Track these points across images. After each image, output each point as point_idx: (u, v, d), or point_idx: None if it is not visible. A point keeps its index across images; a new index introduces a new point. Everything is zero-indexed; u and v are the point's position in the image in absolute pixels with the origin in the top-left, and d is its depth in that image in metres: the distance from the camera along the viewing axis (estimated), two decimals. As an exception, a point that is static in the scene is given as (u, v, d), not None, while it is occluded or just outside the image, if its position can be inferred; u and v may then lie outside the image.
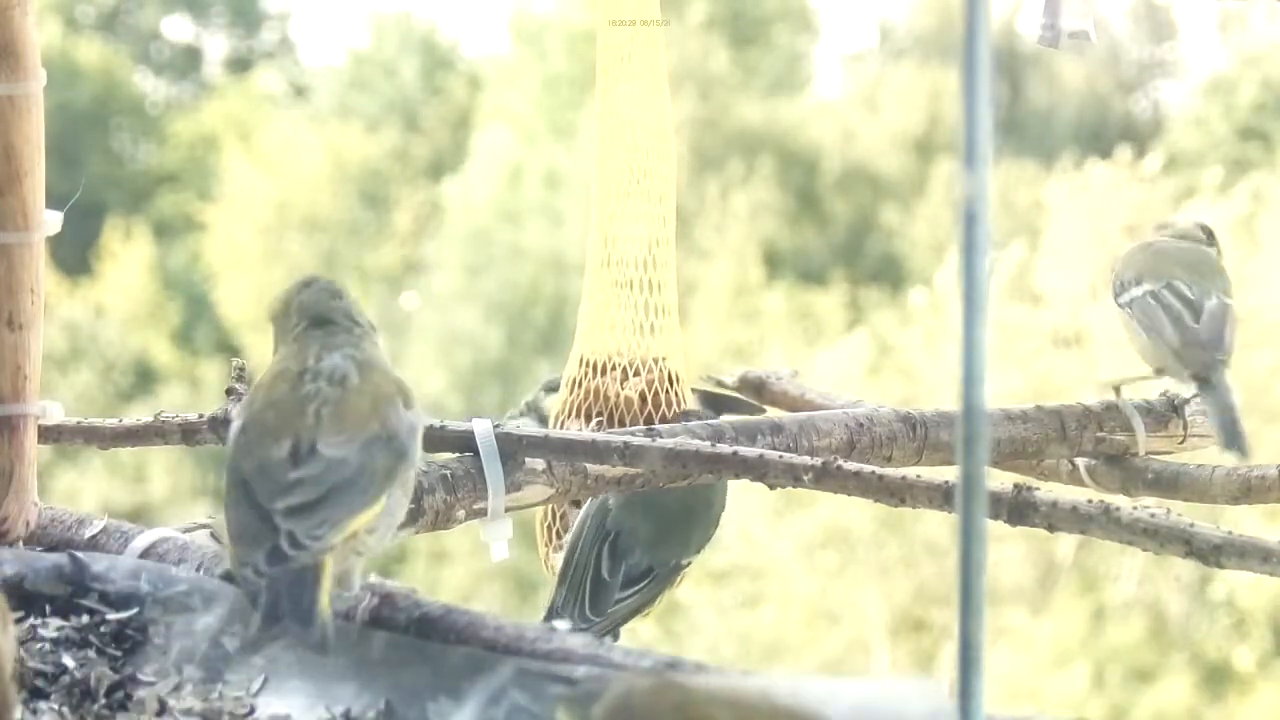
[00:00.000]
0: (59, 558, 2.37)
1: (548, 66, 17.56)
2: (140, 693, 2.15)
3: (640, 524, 3.03)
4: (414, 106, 19.04)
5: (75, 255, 16.51)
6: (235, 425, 2.12)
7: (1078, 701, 12.07)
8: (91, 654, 2.21)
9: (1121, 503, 2.49)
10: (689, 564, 3.14)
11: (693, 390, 3.31)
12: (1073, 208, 14.55)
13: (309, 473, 2.04)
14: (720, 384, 3.71)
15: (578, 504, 3.16)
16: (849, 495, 2.61)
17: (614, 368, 3.21)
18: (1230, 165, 15.11)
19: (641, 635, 3.23)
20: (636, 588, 3.04)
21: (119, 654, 2.22)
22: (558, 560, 3.12)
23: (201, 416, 2.84)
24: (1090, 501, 2.48)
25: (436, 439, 2.76)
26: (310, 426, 2.07)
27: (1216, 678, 12.53)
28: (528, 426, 2.96)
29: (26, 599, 2.29)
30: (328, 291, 2.21)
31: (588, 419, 3.20)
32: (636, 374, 3.22)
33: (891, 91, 17.24)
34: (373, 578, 2.12)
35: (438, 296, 16.73)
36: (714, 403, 3.32)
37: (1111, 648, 12.60)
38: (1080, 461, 3.21)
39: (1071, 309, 13.78)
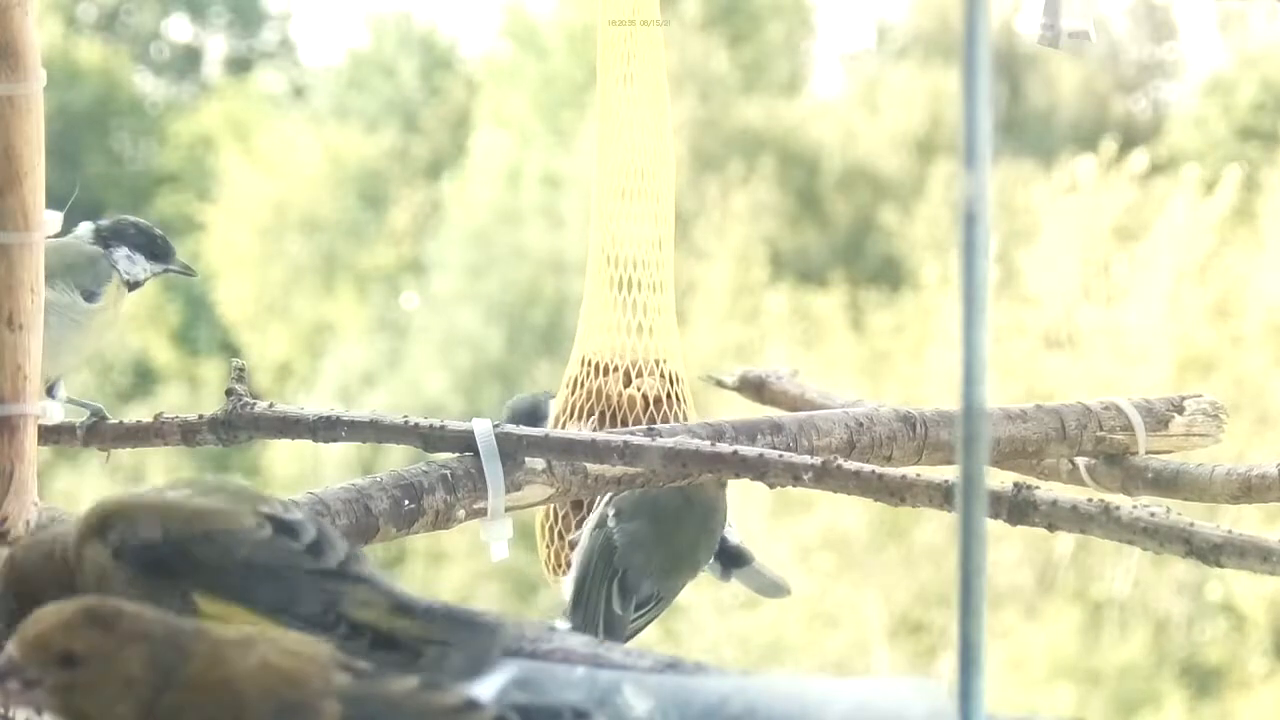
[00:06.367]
0: (59, 558, 2.37)
1: (546, 66, 17.55)
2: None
3: (648, 562, 3.04)
4: (413, 107, 19.01)
5: (74, 255, 16.46)
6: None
7: (1075, 704, 12.07)
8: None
9: (1121, 502, 2.49)
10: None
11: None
12: (1064, 207, 14.54)
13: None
14: (720, 384, 3.71)
15: (578, 504, 3.16)
16: (849, 494, 2.61)
17: (615, 368, 3.21)
18: (1230, 165, 15.10)
19: (642, 635, 3.23)
20: (644, 610, 3.06)
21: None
22: (563, 584, 3.11)
23: (201, 417, 2.84)
24: (1090, 501, 2.48)
25: (436, 439, 2.77)
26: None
27: (1216, 681, 12.52)
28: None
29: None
30: None
31: (589, 419, 3.20)
32: (639, 374, 3.21)
33: (891, 91, 17.21)
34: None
35: (437, 297, 16.70)
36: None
37: (1107, 652, 12.59)
38: (1080, 461, 3.21)
39: (1065, 310, 13.77)
